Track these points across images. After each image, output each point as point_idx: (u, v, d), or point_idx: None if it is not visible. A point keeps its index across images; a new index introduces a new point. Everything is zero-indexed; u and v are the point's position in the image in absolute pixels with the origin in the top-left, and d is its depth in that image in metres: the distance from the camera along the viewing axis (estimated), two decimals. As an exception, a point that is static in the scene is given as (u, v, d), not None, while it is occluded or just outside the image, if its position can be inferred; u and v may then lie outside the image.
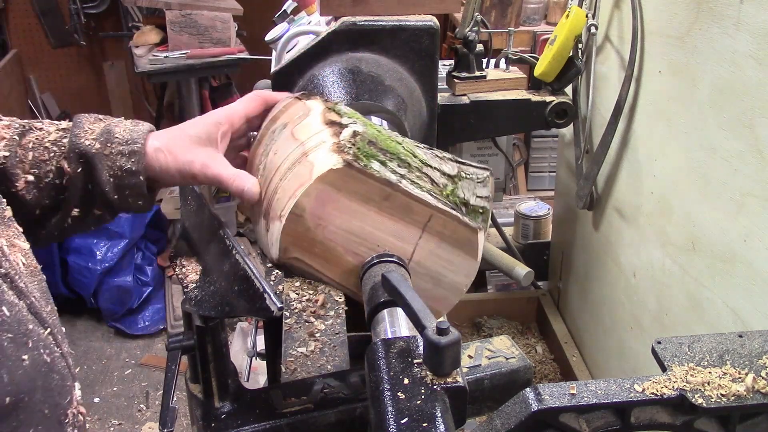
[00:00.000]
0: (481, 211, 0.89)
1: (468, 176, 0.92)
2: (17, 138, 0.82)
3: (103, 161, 0.82)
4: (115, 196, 0.83)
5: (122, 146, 0.83)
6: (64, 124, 0.85)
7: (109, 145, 0.82)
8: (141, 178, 0.83)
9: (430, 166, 0.88)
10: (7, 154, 0.80)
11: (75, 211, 0.84)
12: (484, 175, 0.95)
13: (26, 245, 0.62)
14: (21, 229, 0.64)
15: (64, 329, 0.61)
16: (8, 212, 0.64)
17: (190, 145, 0.86)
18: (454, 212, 0.84)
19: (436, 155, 0.92)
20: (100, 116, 0.87)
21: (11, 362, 0.51)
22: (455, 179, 0.89)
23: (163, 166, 0.84)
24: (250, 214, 0.92)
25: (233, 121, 0.90)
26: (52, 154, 0.82)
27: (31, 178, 0.81)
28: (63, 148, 0.82)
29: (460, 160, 0.94)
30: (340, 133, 0.84)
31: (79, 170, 0.82)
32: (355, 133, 0.84)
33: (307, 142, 0.84)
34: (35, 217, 0.83)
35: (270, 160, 0.88)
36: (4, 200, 0.66)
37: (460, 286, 0.90)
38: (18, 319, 0.54)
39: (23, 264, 0.60)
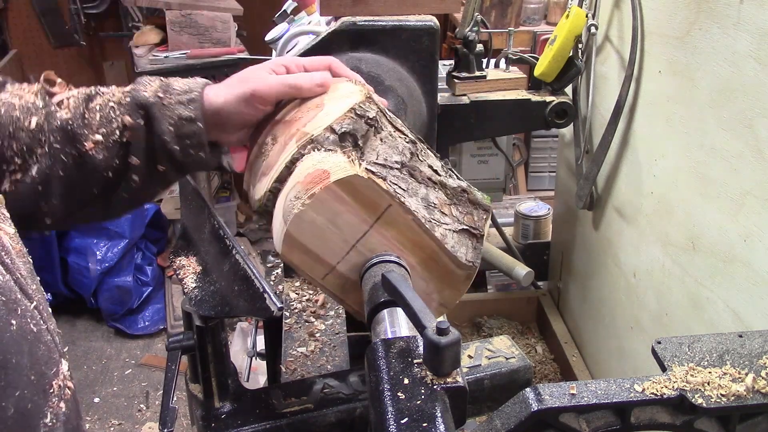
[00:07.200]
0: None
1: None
2: (84, 102, 0.86)
3: (163, 111, 0.85)
4: (177, 147, 0.85)
5: (180, 95, 0.86)
6: (129, 86, 0.89)
7: (168, 95, 0.86)
8: (200, 124, 0.85)
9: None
10: (69, 116, 0.84)
11: (140, 169, 0.86)
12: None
13: (12, 230, 0.64)
14: (8, 215, 0.66)
15: (50, 309, 0.63)
16: None
17: (244, 74, 0.90)
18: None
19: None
20: (161, 77, 0.91)
21: (1, 323, 0.53)
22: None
23: (222, 100, 0.87)
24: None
25: (290, 65, 0.92)
26: (117, 113, 0.85)
27: (99, 137, 0.84)
28: (126, 106, 0.86)
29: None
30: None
31: (140, 122, 0.85)
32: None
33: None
34: (108, 179, 0.86)
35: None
36: None
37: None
38: (8, 287, 0.56)
39: (11, 246, 0.62)
